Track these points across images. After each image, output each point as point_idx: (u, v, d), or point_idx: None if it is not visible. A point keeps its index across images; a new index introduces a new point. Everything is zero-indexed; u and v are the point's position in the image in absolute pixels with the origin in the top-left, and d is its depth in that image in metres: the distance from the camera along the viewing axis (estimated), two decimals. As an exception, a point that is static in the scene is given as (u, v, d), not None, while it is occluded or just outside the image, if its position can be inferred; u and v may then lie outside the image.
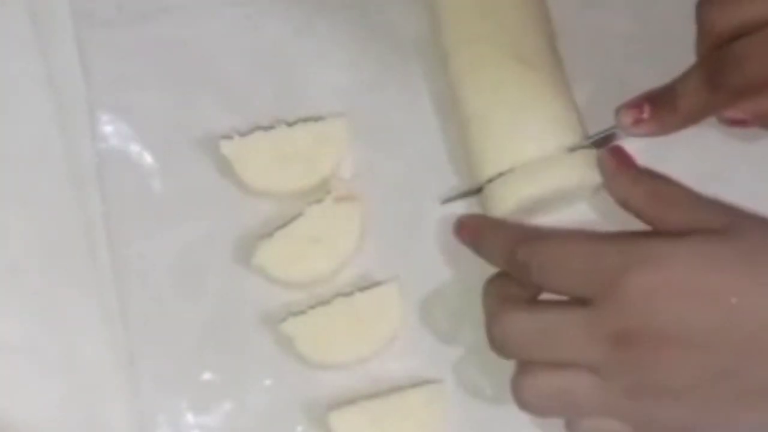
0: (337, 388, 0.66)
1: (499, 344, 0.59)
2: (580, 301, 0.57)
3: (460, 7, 0.67)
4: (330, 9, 0.70)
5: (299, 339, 0.65)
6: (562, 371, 0.57)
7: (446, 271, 0.67)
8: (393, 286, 0.66)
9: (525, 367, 0.59)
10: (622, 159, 0.63)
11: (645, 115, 0.63)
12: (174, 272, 0.67)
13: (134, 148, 0.69)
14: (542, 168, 0.64)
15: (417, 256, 0.68)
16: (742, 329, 0.54)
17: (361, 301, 0.66)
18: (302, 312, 0.66)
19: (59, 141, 0.68)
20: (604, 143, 0.65)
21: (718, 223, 0.57)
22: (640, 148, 0.64)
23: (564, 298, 0.58)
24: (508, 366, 0.65)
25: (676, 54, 0.68)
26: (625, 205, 0.61)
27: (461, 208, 0.68)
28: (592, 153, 0.65)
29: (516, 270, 0.59)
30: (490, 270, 0.66)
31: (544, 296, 0.60)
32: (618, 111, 0.64)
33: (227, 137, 0.67)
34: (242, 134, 0.67)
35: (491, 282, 0.62)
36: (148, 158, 0.69)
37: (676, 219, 0.58)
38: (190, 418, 0.66)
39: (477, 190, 0.66)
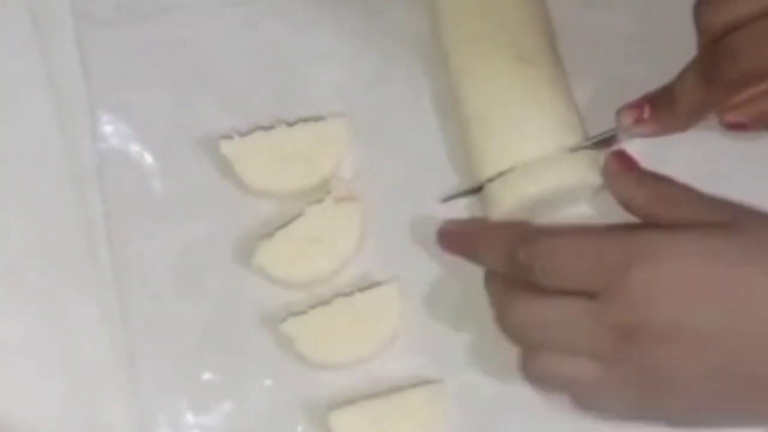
0: (337, 388, 0.66)
1: (512, 332, 0.60)
2: (586, 294, 0.57)
3: (460, 6, 0.68)
4: (330, 9, 0.70)
5: (299, 339, 0.65)
6: (568, 358, 0.58)
7: (446, 271, 0.67)
8: (393, 286, 0.66)
9: (532, 351, 0.59)
10: (625, 161, 0.63)
11: (645, 116, 0.63)
12: (174, 272, 0.67)
13: (134, 148, 0.69)
14: (543, 168, 0.64)
15: (417, 256, 0.68)
16: (747, 323, 0.54)
17: (361, 301, 0.66)
18: (302, 312, 0.66)
19: (59, 141, 0.68)
20: (604, 144, 0.65)
21: (722, 220, 0.57)
22: (641, 150, 0.64)
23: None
24: (509, 367, 0.66)
25: (676, 54, 0.68)
26: (628, 206, 0.61)
27: (462, 207, 0.68)
28: (593, 153, 0.65)
29: (518, 271, 0.59)
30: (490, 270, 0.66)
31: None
32: (619, 112, 0.64)
33: (227, 137, 0.67)
34: (242, 134, 0.67)
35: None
36: (148, 158, 0.69)
37: (679, 218, 0.58)
38: (190, 418, 0.66)
39: (477, 189, 0.66)
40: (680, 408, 0.56)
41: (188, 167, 0.69)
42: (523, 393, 0.65)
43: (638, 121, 0.63)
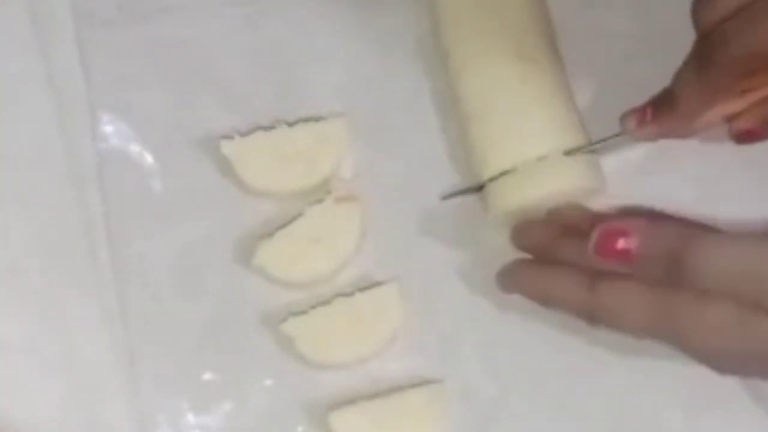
0: (337, 388, 0.66)
1: (608, 314, 0.59)
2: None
3: (460, 6, 0.68)
4: (330, 9, 0.70)
5: (299, 339, 0.65)
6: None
7: (447, 271, 0.67)
8: (393, 286, 0.66)
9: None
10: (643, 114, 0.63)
11: (647, 118, 0.63)
12: (174, 272, 0.67)
13: (134, 148, 0.69)
14: (544, 170, 0.64)
15: (417, 256, 0.68)
16: None
17: (361, 301, 0.66)
18: (302, 312, 0.66)
19: (59, 141, 0.68)
20: (606, 148, 0.65)
21: None
22: (641, 154, 0.64)
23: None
24: (509, 367, 0.66)
25: (676, 54, 0.68)
26: None
27: (462, 204, 0.68)
28: (593, 157, 0.65)
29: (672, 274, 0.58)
30: (491, 269, 0.66)
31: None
32: (623, 116, 0.64)
33: (228, 137, 0.67)
34: (243, 134, 0.67)
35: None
36: (148, 158, 0.69)
37: None
38: (190, 418, 0.66)
39: (478, 188, 0.66)
40: None
41: (188, 167, 0.69)
42: (523, 393, 0.66)
43: (641, 123, 0.63)
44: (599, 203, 0.66)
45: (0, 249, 0.67)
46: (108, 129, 0.69)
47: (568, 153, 0.64)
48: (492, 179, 0.65)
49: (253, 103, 0.69)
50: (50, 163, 0.68)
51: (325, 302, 0.66)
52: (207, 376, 0.66)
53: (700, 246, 0.56)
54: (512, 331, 0.66)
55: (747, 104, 0.64)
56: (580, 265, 0.61)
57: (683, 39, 0.67)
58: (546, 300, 0.62)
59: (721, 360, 0.57)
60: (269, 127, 0.68)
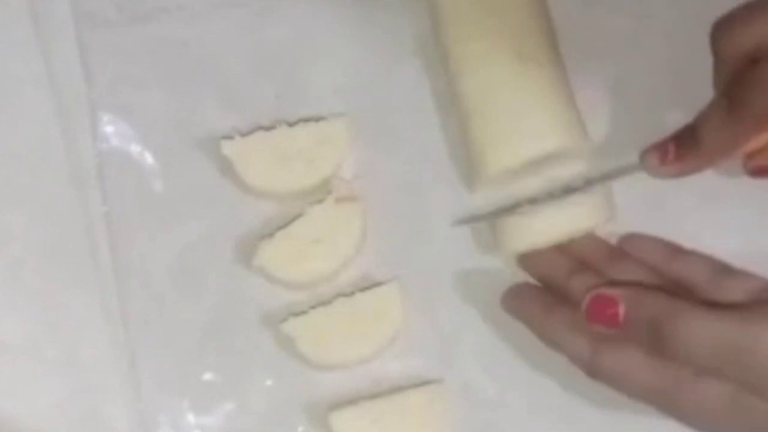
0: (337, 389, 0.66)
1: (608, 378, 0.60)
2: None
3: (460, 6, 0.67)
4: (331, 9, 0.70)
5: (300, 339, 0.65)
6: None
7: (447, 271, 0.67)
8: (394, 287, 0.66)
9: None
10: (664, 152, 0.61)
11: (670, 156, 0.61)
12: (175, 272, 0.67)
13: (135, 148, 0.69)
14: (558, 212, 0.64)
15: (418, 256, 0.68)
16: None
17: (362, 301, 0.66)
18: (303, 312, 0.66)
19: (60, 141, 0.68)
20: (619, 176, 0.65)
21: None
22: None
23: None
24: (509, 367, 0.66)
25: (676, 53, 0.69)
26: None
27: (463, 204, 0.68)
28: (609, 188, 0.65)
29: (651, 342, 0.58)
30: (491, 270, 0.66)
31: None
32: (643, 153, 0.62)
33: (228, 137, 0.67)
34: (243, 134, 0.67)
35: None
36: (149, 158, 0.69)
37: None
38: (191, 418, 0.66)
39: (492, 215, 0.66)
40: None
41: (189, 167, 0.69)
42: (523, 393, 0.66)
43: (663, 162, 0.61)
44: (609, 230, 0.66)
45: (1, 249, 0.67)
46: (108, 129, 0.69)
47: (588, 183, 0.64)
48: (505, 210, 0.65)
49: (254, 103, 0.69)
50: (51, 163, 0.68)
51: (326, 302, 0.66)
52: (207, 376, 0.66)
53: (682, 321, 0.57)
54: (512, 331, 0.66)
55: (766, 141, 0.62)
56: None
57: (683, 39, 0.67)
58: (548, 343, 0.62)
59: None
60: (270, 127, 0.68)
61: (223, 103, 0.69)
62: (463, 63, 0.67)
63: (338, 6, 0.70)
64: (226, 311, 0.67)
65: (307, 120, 0.68)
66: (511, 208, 0.64)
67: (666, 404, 0.58)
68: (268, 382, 0.66)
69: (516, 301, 0.64)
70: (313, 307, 0.66)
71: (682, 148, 0.61)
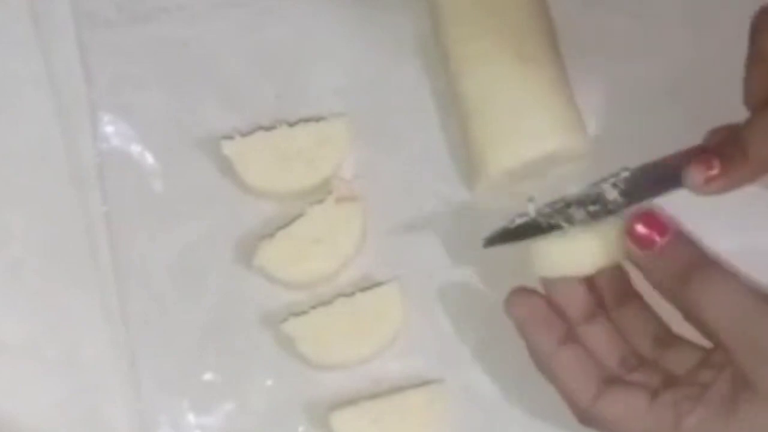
0: (338, 389, 0.66)
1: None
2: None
3: (460, 6, 0.68)
4: (331, 9, 0.70)
5: (300, 339, 0.65)
6: None
7: (447, 271, 0.67)
8: (394, 286, 0.66)
9: None
10: (645, 235, 0.57)
11: (715, 171, 0.57)
12: (175, 272, 0.67)
13: (135, 148, 0.69)
14: (590, 242, 0.60)
15: (418, 256, 0.68)
16: None
17: (362, 301, 0.66)
18: (303, 312, 0.66)
19: (60, 141, 0.68)
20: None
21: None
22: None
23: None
24: (509, 367, 0.66)
25: (676, 53, 0.69)
26: (651, 284, 0.58)
27: (463, 205, 0.68)
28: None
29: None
30: (491, 269, 0.66)
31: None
32: (686, 172, 0.58)
33: (228, 137, 0.67)
34: (243, 134, 0.67)
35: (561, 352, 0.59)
36: (149, 158, 0.69)
37: (706, 312, 0.56)
38: (191, 418, 0.66)
39: (521, 235, 0.61)
40: None
41: (189, 167, 0.69)
42: (523, 393, 0.66)
43: (709, 179, 0.57)
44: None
45: (1, 249, 0.67)
46: (109, 129, 0.69)
47: (628, 203, 0.60)
48: (541, 231, 0.60)
49: (254, 103, 0.69)
50: (51, 163, 0.68)
51: (326, 302, 0.66)
52: (208, 376, 0.66)
53: (713, 277, 0.55)
54: (512, 331, 0.66)
55: None
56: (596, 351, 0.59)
57: (683, 38, 0.67)
58: (547, 374, 0.60)
59: None
60: (270, 127, 0.68)
61: (223, 103, 0.69)
62: (463, 63, 0.67)
63: (338, 6, 0.70)
64: (226, 311, 0.67)
65: (307, 120, 0.68)
66: (548, 229, 0.60)
67: None
68: (269, 382, 0.66)
69: (523, 315, 0.60)
70: (313, 307, 0.66)
71: (728, 162, 0.57)
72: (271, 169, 0.67)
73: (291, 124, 0.68)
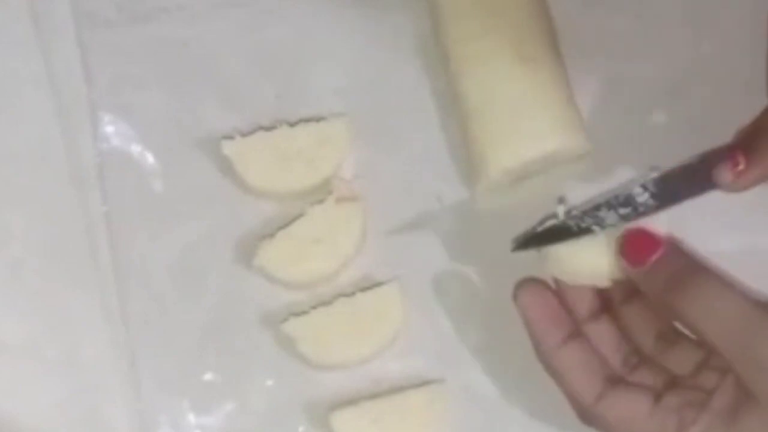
0: (338, 389, 0.66)
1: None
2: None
3: (460, 5, 0.68)
4: (331, 9, 0.70)
5: (300, 339, 0.65)
6: None
7: (448, 271, 0.67)
8: (394, 286, 0.66)
9: None
10: (636, 251, 0.57)
11: (741, 166, 0.56)
12: (175, 272, 0.67)
13: (135, 148, 0.69)
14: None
15: (418, 256, 0.68)
16: None
17: (362, 301, 0.66)
18: (304, 312, 0.66)
19: (60, 141, 0.68)
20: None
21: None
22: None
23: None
24: (509, 367, 0.66)
25: (676, 53, 0.69)
26: (643, 290, 0.58)
27: (463, 205, 0.68)
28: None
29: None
30: (492, 269, 0.66)
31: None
32: (716, 172, 0.57)
33: (229, 137, 0.67)
34: (244, 134, 0.67)
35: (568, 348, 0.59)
36: (149, 158, 0.69)
37: (696, 322, 0.55)
38: (191, 418, 0.66)
39: (550, 238, 0.59)
40: None
41: (189, 167, 0.69)
42: (523, 393, 0.66)
43: (738, 174, 0.56)
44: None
45: (1, 249, 0.67)
46: (109, 129, 0.69)
47: (659, 206, 0.58)
48: (570, 235, 0.58)
49: (254, 103, 0.69)
50: (51, 163, 0.68)
51: (326, 302, 0.66)
52: (208, 376, 0.66)
53: (705, 284, 0.55)
54: (512, 331, 0.66)
55: None
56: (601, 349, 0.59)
57: (683, 38, 0.67)
58: (551, 371, 0.59)
59: None
60: (270, 127, 0.68)
61: (223, 103, 0.69)
62: (463, 63, 0.67)
63: (338, 6, 0.70)
64: (226, 311, 0.67)
65: (307, 120, 0.68)
66: (578, 232, 0.58)
67: None
68: (269, 382, 0.66)
69: (532, 309, 0.59)
70: (313, 307, 0.66)
71: (753, 153, 0.56)
72: (271, 169, 0.67)
73: (291, 124, 0.68)
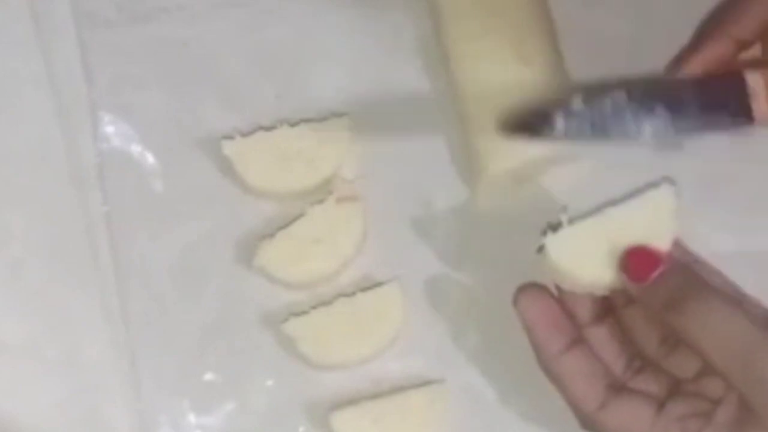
0: (338, 389, 0.66)
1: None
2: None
3: (460, 5, 0.68)
4: (331, 9, 0.70)
5: (301, 339, 0.65)
6: None
7: (448, 271, 0.67)
8: (394, 287, 0.66)
9: None
10: (640, 269, 0.57)
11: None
12: (175, 272, 0.67)
13: (136, 148, 0.69)
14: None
15: (418, 256, 0.68)
16: None
17: (362, 301, 0.66)
18: (304, 312, 0.66)
19: (61, 141, 0.68)
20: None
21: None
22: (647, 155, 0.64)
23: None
24: (509, 367, 0.66)
25: (676, 53, 0.68)
26: (645, 306, 0.58)
27: (463, 205, 0.68)
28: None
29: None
30: (492, 269, 0.66)
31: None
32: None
33: (229, 137, 0.67)
34: (244, 134, 0.67)
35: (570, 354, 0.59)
36: (149, 158, 0.69)
37: (694, 336, 0.55)
38: (191, 418, 0.66)
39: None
40: None
41: (190, 167, 0.69)
42: (524, 393, 0.66)
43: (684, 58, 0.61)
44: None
45: (1, 249, 0.67)
46: (109, 129, 0.69)
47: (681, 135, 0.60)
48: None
49: (254, 103, 0.69)
50: (51, 164, 0.68)
51: (327, 302, 0.66)
52: (208, 376, 0.66)
53: (706, 303, 0.55)
54: (512, 331, 0.66)
55: None
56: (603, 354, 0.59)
57: (683, 39, 0.67)
58: (552, 378, 0.59)
59: None
60: (270, 127, 0.67)
61: (223, 103, 0.69)
62: (463, 63, 0.67)
63: (338, 6, 0.70)
64: (226, 311, 0.67)
65: (308, 120, 0.68)
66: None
67: None
68: (269, 383, 0.66)
69: (533, 315, 0.59)
70: (313, 307, 0.66)
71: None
72: (271, 169, 0.67)
73: (292, 124, 0.68)
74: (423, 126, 0.69)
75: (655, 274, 0.56)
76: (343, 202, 0.66)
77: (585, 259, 0.58)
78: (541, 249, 0.58)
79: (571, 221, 0.58)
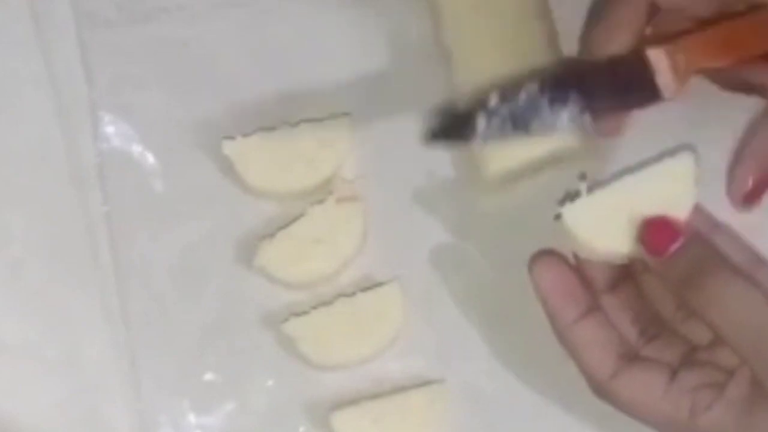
0: (339, 389, 0.66)
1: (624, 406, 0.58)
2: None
3: (460, 5, 0.68)
4: (332, 9, 0.70)
5: (301, 339, 0.65)
6: None
7: (448, 271, 0.67)
8: (395, 287, 0.66)
9: None
10: (659, 239, 0.57)
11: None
12: (176, 273, 0.67)
13: (136, 148, 0.69)
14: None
15: (419, 256, 0.68)
16: None
17: (363, 301, 0.66)
18: (304, 312, 0.66)
19: (61, 141, 0.68)
20: None
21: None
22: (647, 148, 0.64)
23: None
24: (510, 366, 0.66)
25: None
26: (662, 282, 0.58)
27: (464, 204, 0.68)
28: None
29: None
30: (492, 269, 0.66)
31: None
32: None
33: (229, 137, 0.67)
34: (244, 134, 0.67)
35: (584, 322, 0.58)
36: (149, 158, 0.69)
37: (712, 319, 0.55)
38: (191, 418, 0.66)
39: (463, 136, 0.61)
40: None
41: (190, 167, 0.68)
42: (524, 393, 0.66)
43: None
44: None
45: (1, 249, 0.67)
46: (109, 129, 0.69)
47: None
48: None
49: (254, 103, 0.69)
50: (51, 164, 0.68)
51: (327, 302, 0.66)
52: (208, 376, 0.66)
53: (725, 279, 0.55)
54: (512, 331, 0.66)
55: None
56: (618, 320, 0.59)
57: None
58: (566, 346, 0.59)
59: None
60: (271, 128, 0.67)
61: (223, 103, 0.69)
62: (464, 63, 0.67)
63: (338, 6, 0.70)
64: (226, 311, 0.67)
65: (308, 120, 0.68)
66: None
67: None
68: (269, 383, 0.66)
69: (548, 283, 0.59)
70: (314, 308, 0.66)
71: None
72: (271, 169, 0.67)
73: (292, 125, 0.68)
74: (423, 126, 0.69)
75: (674, 247, 0.56)
76: (343, 202, 0.66)
77: (602, 229, 0.57)
78: (558, 218, 0.58)
79: (589, 189, 0.58)
